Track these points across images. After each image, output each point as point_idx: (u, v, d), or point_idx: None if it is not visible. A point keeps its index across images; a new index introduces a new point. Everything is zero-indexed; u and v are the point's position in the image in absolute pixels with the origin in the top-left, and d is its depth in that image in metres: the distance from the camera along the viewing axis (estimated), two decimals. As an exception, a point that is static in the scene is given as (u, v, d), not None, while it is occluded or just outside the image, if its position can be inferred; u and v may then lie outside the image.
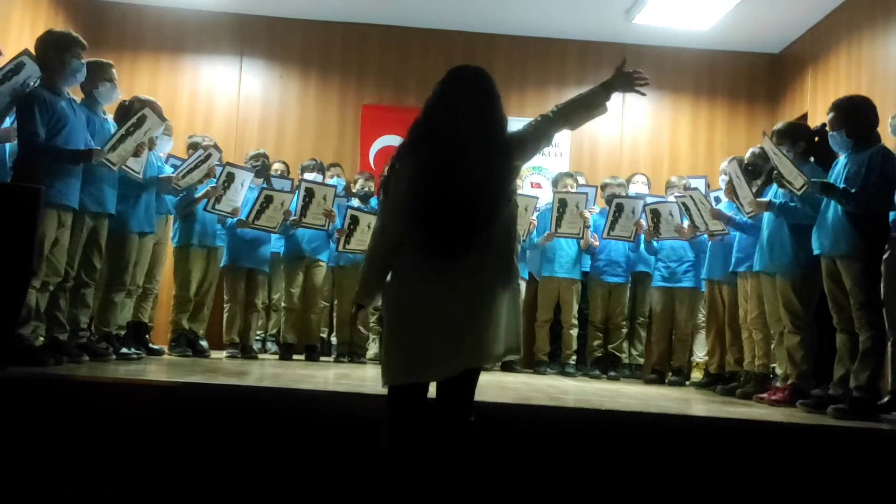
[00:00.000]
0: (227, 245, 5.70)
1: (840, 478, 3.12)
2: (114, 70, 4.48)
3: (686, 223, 5.58)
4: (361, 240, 5.73)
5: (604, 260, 6.13)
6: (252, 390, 3.59)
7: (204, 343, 5.56)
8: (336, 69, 7.59)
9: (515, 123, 2.73)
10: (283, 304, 6.03)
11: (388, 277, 2.65)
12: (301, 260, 5.93)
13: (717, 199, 5.43)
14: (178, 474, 3.06)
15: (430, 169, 2.53)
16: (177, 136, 5.86)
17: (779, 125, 4.65)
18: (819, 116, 5.93)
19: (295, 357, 5.85)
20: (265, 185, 5.80)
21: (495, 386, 4.27)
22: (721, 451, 3.16)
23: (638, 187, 6.42)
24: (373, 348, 6.12)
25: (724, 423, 3.45)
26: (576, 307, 6.13)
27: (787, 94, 7.45)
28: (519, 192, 3.03)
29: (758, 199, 4.55)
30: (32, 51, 4.03)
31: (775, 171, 4.24)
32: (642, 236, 5.97)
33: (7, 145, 4.17)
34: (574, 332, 6.13)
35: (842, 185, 3.89)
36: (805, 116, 6.81)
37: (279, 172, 6.26)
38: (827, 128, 4.10)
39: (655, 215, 5.82)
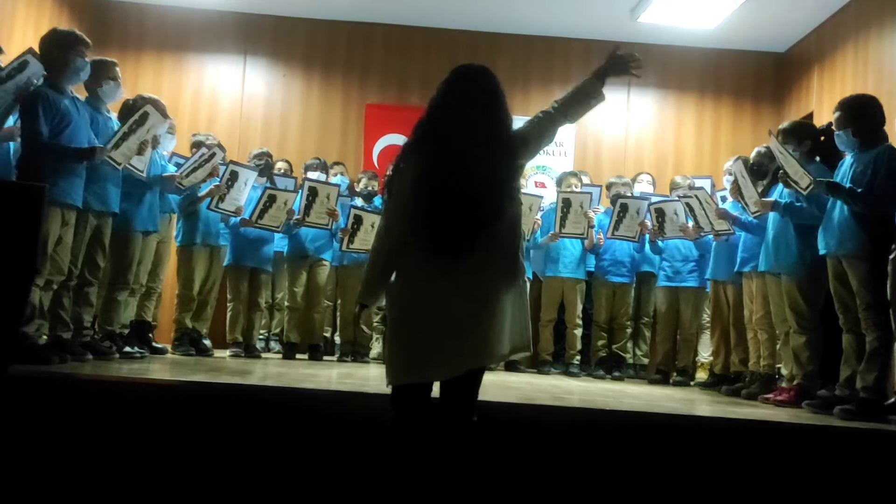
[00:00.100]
0: (231, 244, 5.70)
1: (846, 479, 3.10)
2: (118, 69, 4.47)
3: (690, 223, 5.56)
4: (365, 239, 5.73)
5: (608, 260, 6.11)
6: (255, 389, 3.59)
7: (207, 342, 5.55)
8: (339, 68, 7.58)
9: (519, 122, 2.72)
10: (286, 304, 6.02)
11: (392, 277, 2.64)
12: (304, 259, 5.92)
13: (724, 199, 5.41)
14: (181, 473, 3.05)
15: (435, 168, 2.52)
16: (180, 135, 5.86)
17: (784, 124, 4.64)
18: (825, 116, 5.90)
19: (298, 356, 5.85)
20: (269, 185, 5.79)
21: (499, 386, 4.26)
22: (726, 452, 3.14)
23: (643, 187, 6.40)
24: (376, 347, 6.11)
25: (729, 423, 3.43)
26: (580, 307, 6.11)
27: (792, 94, 7.42)
28: (523, 191, 3.02)
29: (763, 199, 4.53)
30: (37, 49, 4.03)
31: (781, 171, 4.22)
32: (647, 236, 5.95)
33: (11, 144, 4.17)
34: (578, 332, 6.11)
35: (848, 185, 3.87)
36: (811, 116, 6.78)
37: (282, 171, 6.25)
38: (833, 127, 4.08)
39: (660, 214, 5.80)
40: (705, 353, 6.05)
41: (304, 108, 7.56)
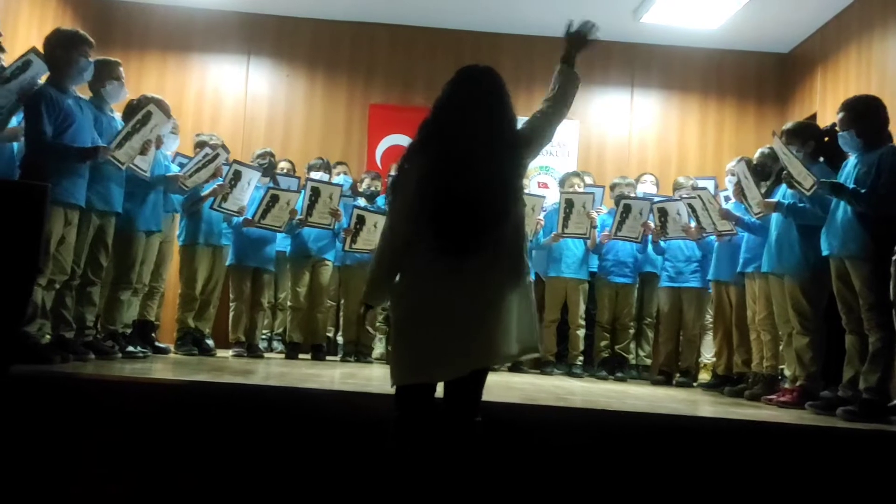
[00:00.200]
0: (233, 244, 5.70)
1: (849, 480, 3.09)
2: (121, 69, 4.48)
3: (693, 224, 5.55)
4: (368, 239, 5.73)
5: (611, 260, 6.11)
6: (258, 389, 3.59)
7: (210, 342, 5.56)
8: (343, 68, 7.59)
9: (521, 123, 2.72)
10: (289, 304, 6.03)
11: (397, 277, 2.64)
12: (307, 259, 5.93)
13: (727, 199, 5.40)
14: (183, 473, 3.05)
15: (440, 168, 2.52)
16: (184, 135, 5.87)
17: (788, 125, 4.63)
18: (829, 116, 5.89)
19: (301, 356, 5.85)
20: (272, 185, 5.79)
21: (502, 386, 4.26)
22: (729, 453, 3.14)
23: (646, 187, 6.39)
24: (379, 347, 6.12)
25: (732, 424, 3.43)
26: (583, 308, 6.10)
27: (796, 94, 7.41)
28: (525, 191, 3.03)
29: (766, 200, 4.52)
30: (40, 49, 4.03)
31: (784, 172, 4.22)
32: (650, 237, 5.95)
33: (14, 144, 4.17)
34: (581, 332, 6.10)
35: (851, 186, 3.86)
36: (814, 116, 6.77)
37: (285, 171, 6.26)
38: (836, 128, 4.08)
39: (663, 214, 5.80)
40: (708, 354, 6.04)
41: (308, 108, 7.56)
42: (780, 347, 4.65)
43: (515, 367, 5.92)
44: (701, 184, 5.99)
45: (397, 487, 2.58)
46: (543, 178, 7.43)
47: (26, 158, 3.95)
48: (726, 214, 5.06)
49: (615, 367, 6.08)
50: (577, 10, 7.10)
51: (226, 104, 7.50)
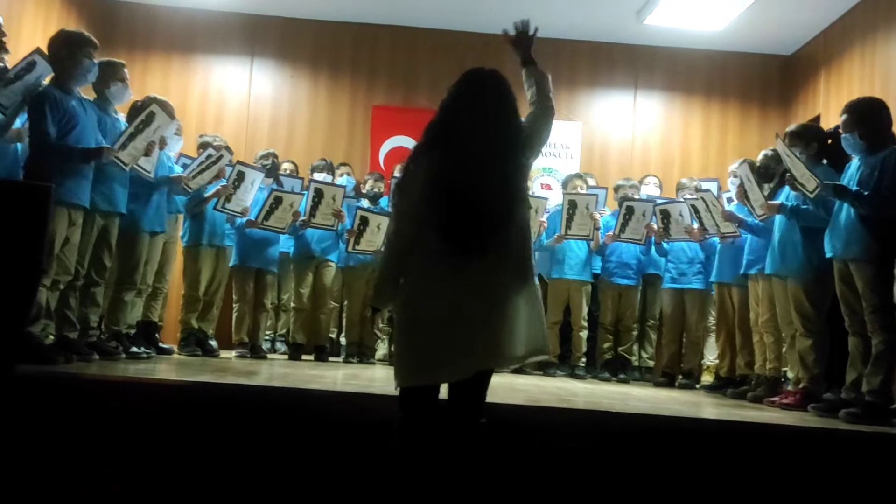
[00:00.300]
0: (236, 245, 5.71)
1: (852, 483, 3.09)
2: (126, 70, 4.49)
3: (695, 225, 5.55)
4: (371, 241, 5.74)
5: (614, 262, 6.10)
6: (261, 390, 3.59)
7: (213, 342, 5.57)
8: (346, 70, 7.60)
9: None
10: (292, 305, 6.03)
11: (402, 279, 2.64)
12: (311, 260, 5.93)
13: (730, 200, 5.40)
14: (186, 473, 3.06)
15: (446, 170, 2.52)
16: (187, 136, 5.88)
17: (791, 127, 4.64)
18: (832, 118, 5.89)
19: (304, 357, 5.85)
20: (275, 186, 5.80)
21: (505, 388, 4.26)
22: (732, 455, 3.14)
23: (649, 189, 6.39)
24: (382, 349, 6.12)
25: (734, 426, 3.43)
26: (585, 309, 6.10)
27: (799, 96, 7.41)
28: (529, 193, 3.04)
29: (769, 202, 4.52)
30: (45, 50, 4.05)
31: (788, 174, 4.22)
32: (653, 239, 5.95)
33: (18, 144, 4.19)
34: (584, 334, 6.10)
35: (855, 188, 3.86)
36: (818, 118, 6.76)
37: (288, 172, 6.27)
38: (840, 130, 4.07)
39: (665, 216, 5.79)
40: (711, 355, 6.03)
41: (311, 109, 7.57)
42: (783, 349, 4.64)
43: (518, 369, 5.91)
44: (704, 185, 5.99)
45: (401, 489, 2.58)
46: (546, 179, 7.44)
47: (30, 159, 3.96)
48: (729, 216, 5.06)
49: (618, 369, 6.08)
50: (580, 12, 7.24)
51: (229, 105, 7.52)
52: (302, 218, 5.69)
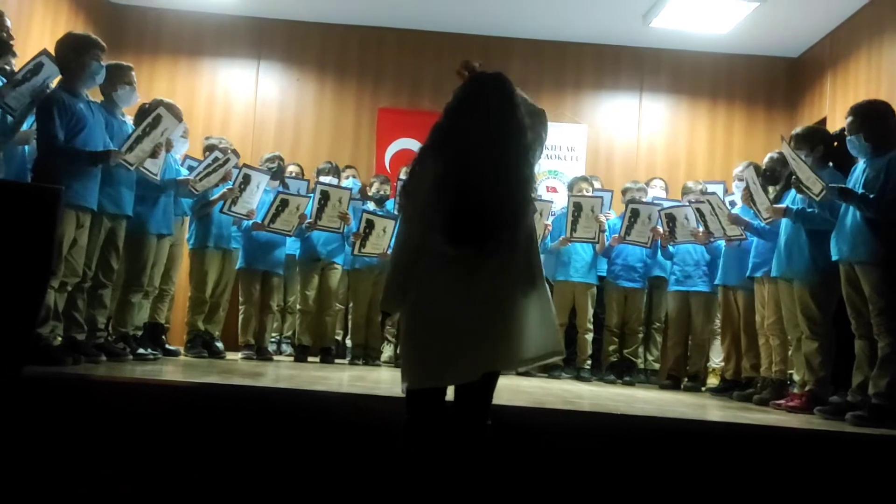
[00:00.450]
0: (243, 247, 5.73)
1: (858, 486, 3.08)
2: (133, 73, 4.51)
3: (701, 228, 5.55)
4: (376, 243, 5.76)
5: (620, 265, 6.10)
6: (267, 391, 3.61)
7: (219, 344, 5.58)
8: (352, 72, 7.62)
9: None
10: (298, 307, 6.05)
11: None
12: (316, 262, 5.95)
13: (733, 204, 5.40)
14: (192, 474, 3.07)
15: (452, 172, 2.52)
16: (194, 139, 5.90)
17: (797, 130, 4.63)
18: (839, 121, 5.88)
19: (310, 359, 5.87)
20: (281, 188, 5.82)
21: (511, 390, 4.26)
22: (738, 458, 3.13)
23: (655, 192, 6.40)
24: (387, 351, 6.13)
25: (740, 429, 3.43)
26: (591, 312, 6.10)
27: (805, 99, 7.40)
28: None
29: (775, 206, 4.51)
30: (52, 52, 4.07)
31: (794, 177, 4.22)
32: (658, 242, 5.94)
33: (26, 147, 4.21)
34: (589, 336, 6.10)
35: (860, 191, 3.86)
36: (824, 121, 6.75)
37: (293, 175, 6.28)
38: (845, 132, 4.07)
39: (671, 220, 5.79)
40: (717, 358, 6.02)
41: (317, 111, 7.59)
42: (789, 352, 4.63)
43: (524, 371, 5.92)
44: (710, 188, 5.98)
45: (407, 490, 2.59)
46: (552, 182, 7.44)
47: (38, 161, 3.98)
48: (735, 219, 5.06)
49: (623, 372, 6.07)
50: (586, 15, 7.25)
51: (236, 108, 7.54)
52: (308, 220, 5.71)
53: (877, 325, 3.79)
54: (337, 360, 6.00)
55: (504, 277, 2.53)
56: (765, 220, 4.66)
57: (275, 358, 5.88)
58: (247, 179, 5.43)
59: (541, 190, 7.15)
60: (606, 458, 3.11)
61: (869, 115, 3.97)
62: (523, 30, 7.45)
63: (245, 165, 5.61)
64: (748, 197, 4.80)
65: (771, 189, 4.80)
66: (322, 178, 6.19)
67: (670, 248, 5.91)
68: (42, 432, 3.05)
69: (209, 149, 5.57)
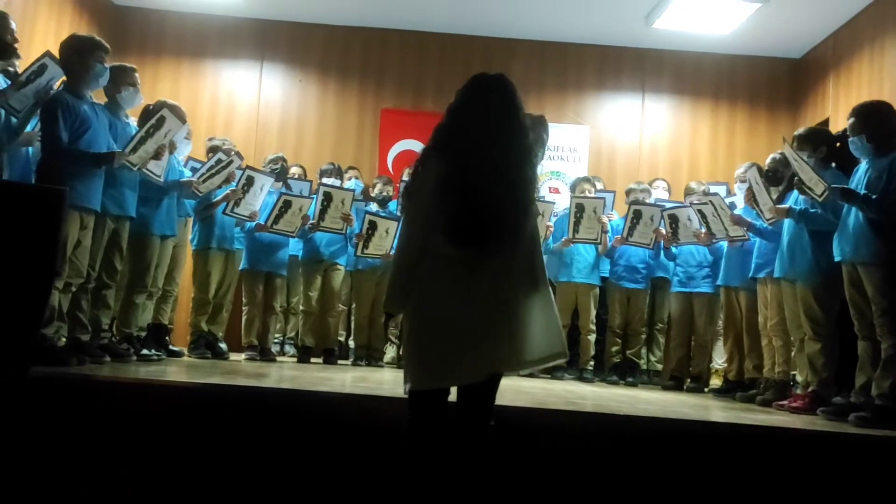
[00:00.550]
0: (246, 248, 5.74)
1: (861, 487, 3.08)
2: (137, 74, 4.53)
3: (703, 230, 5.55)
4: (379, 245, 5.77)
5: (622, 265, 6.10)
6: (270, 392, 3.61)
7: (223, 345, 5.59)
8: (355, 74, 7.63)
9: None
10: (301, 308, 6.05)
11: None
12: (319, 263, 5.95)
13: (733, 205, 5.39)
14: (196, 475, 3.08)
15: (454, 173, 2.53)
16: (197, 140, 5.91)
17: (800, 130, 4.63)
18: (841, 122, 5.88)
19: (313, 360, 5.87)
20: (284, 190, 5.83)
21: (513, 390, 4.26)
22: (741, 459, 3.13)
23: (658, 193, 6.40)
24: (390, 352, 6.14)
25: (743, 429, 3.42)
26: (594, 313, 6.10)
27: (808, 100, 7.40)
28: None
29: (778, 206, 4.51)
30: (56, 55, 4.08)
31: (796, 178, 4.22)
32: (661, 243, 5.94)
33: (30, 148, 4.23)
34: (592, 337, 6.10)
35: (863, 191, 3.86)
36: (827, 122, 6.76)
37: (296, 176, 6.29)
38: (847, 133, 4.07)
39: (673, 221, 5.79)
40: (720, 359, 6.02)
41: (320, 113, 7.61)
42: (792, 353, 4.63)
43: (526, 372, 5.91)
44: (713, 189, 5.98)
45: (410, 491, 2.59)
46: (554, 183, 7.45)
47: (42, 163, 4.00)
48: (738, 220, 5.06)
49: (626, 372, 6.07)
50: (589, 16, 7.25)
51: (239, 109, 7.56)
52: (311, 221, 5.72)
53: (880, 326, 3.79)
54: (340, 361, 6.01)
55: (506, 278, 2.53)
56: (768, 220, 4.66)
57: (278, 359, 5.89)
58: (250, 181, 5.43)
59: (543, 191, 7.15)
60: (609, 458, 3.11)
61: (871, 116, 3.97)
62: (525, 31, 7.45)
63: (248, 167, 5.61)
64: (751, 197, 4.79)
65: (773, 190, 4.80)
66: (325, 180, 6.20)
67: (673, 249, 5.91)
68: (46, 433, 3.06)
69: (212, 150, 5.58)
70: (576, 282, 6.08)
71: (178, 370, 4.42)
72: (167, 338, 5.33)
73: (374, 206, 6.16)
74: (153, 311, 5.07)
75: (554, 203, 6.32)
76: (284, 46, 7.61)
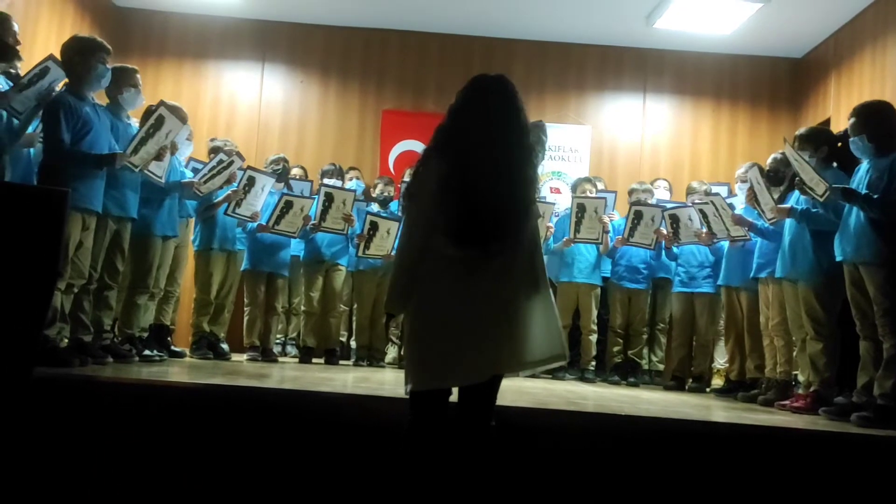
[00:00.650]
0: (248, 249, 5.74)
1: (863, 486, 3.08)
2: (138, 76, 4.53)
3: (704, 229, 5.55)
4: (381, 245, 5.77)
5: (623, 265, 6.10)
6: (272, 393, 3.61)
7: (225, 346, 5.59)
8: (356, 74, 7.64)
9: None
10: (302, 308, 6.06)
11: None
12: (321, 264, 5.96)
13: (732, 206, 5.39)
14: (199, 475, 3.08)
15: (455, 174, 2.53)
16: (199, 141, 5.92)
17: (801, 130, 4.63)
18: (843, 121, 5.86)
19: (314, 360, 5.88)
20: (286, 190, 5.84)
21: (514, 391, 4.26)
22: (742, 459, 3.14)
23: (660, 193, 6.40)
24: (391, 352, 6.14)
25: (745, 429, 3.42)
26: (595, 313, 6.10)
27: (809, 99, 7.39)
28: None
29: (779, 206, 4.51)
30: (58, 56, 4.09)
31: (797, 178, 4.21)
32: (663, 243, 5.94)
33: (32, 149, 4.23)
34: (593, 337, 6.10)
35: (864, 191, 3.86)
36: (828, 122, 6.75)
37: (297, 177, 6.30)
38: (848, 133, 4.07)
39: (674, 221, 5.80)
40: (721, 359, 6.02)
41: (322, 113, 7.61)
42: (794, 353, 4.63)
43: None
44: (715, 189, 5.98)
45: (411, 491, 2.59)
46: (556, 183, 7.45)
47: (44, 164, 4.00)
48: (739, 220, 5.06)
49: (628, 373, 6.07)
50: (591, 16, 7.24)
51: (240, 110, 7.57)
52: (312, 222, 5.72)
53: (881, 326, 3.79)
54: (341, 362, 6.01)
55: (507, 278, 2.54)
56: (769, 220, 4.66)
57: (279, 359, 5.89)
58: (251, 181, 5.44)
59: (544, 191, 7.15)
60: (611, 459, 3.11)
61: (872, 116, 3.97)
62: (526, 31, 7.46)
63: (249, 167, 5.62)
64: (752, 197, 4.79)
65: (774, 190, 4.79)
66: (326, 180, 6.21)
67: (674, 249, 5.91)
68: (49, 434, 3.07)
69: (214, 151, 5.59)
70: (577, 282, 6.08)
71: (180, 371, 4.43)
72: (169, 338, 5.33)
73: (375, 207, 6.16)
74: (155, 312, 5.08)
75: (554, 204, 6.32)
76: (285, 47, 7.62)
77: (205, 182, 5.06)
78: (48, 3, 6.21)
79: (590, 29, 7.32)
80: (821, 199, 4.05)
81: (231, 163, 5.24)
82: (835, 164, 4.42)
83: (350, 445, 3.09)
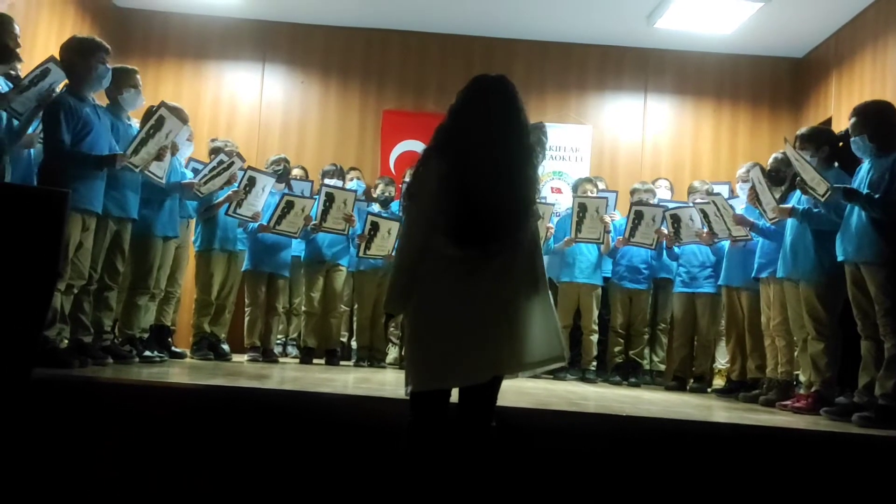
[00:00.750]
0: (249, 249, 5.74)
1: (864, 487, 3.08)
2: (138, 76, 4.53)
3: (705, 229, 5.54)
4: (381, 245, 5.77)
5: (624, 266, 6.10)
6: (272, 393, 3.61)
7: (225, 346, 5.59)
8: (357, 75, 7.64)
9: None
10: (303, 309, 6.06)
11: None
12: (322, 264, 5.96)
13: (733, 206, 5.38)
14: (199, 476, 3.08)
15: (456, 174, 2.53)
16: (199, 141, 5.92)
17: (802, 130, 4.63)
18: (844, 121, 5.85)
19: (315, 361, 5.87)
20: (286, 191, 5.84)
21: (515, 391, 4.25)
22: (744, 459, 3.13)
23: (661, 192, 6.39)
24: (392, 353, 6.14)
25: (746, 430, 3.42)
26: (596, 313, 6.09)
27: (810, 99, 7.39)
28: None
29: (781, 206, 4.51)
30: (58, 57, 4.09)
31: (798, 178, 4.21)
32: (664, 243, 5.94)
33: (32, 150, 4.23)
34: (594, 337, 6.09)
35: (865, 191, 3.85)
36: (829, 121, 6.74)
37: (298, 177, 6.30)
38: (849, 133, 4.07)
39: (675, 221, 5.79)
40: (723, 359, 6.01)
41: (322, 114, 7.61)
42: (795, 353, 4.63)
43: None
44: (716, 188, 5.98)
45: (411, 492, 2.59)
46: (556, 183, 7.44)
47: (44, 165, 4.00)
48: (741, 220, 5.05)
49: (629, 373, 6.07)
50: (590, 16, 7.24)
51: (241, 111, 7.57)
52: (313, 222, 5.72)
53: (883, 326, 3.78)
54: (342, 362, 6.01)
55: (507, 279, 2.53)
56: (770, 220, 4.65)
57: (280, 360, 5.89)
58: (252, 182, 5.44)
59: (545, 191, 7.15)
60: (612, 459, 3.11)
61: (873, 116, 3.96)
62: (527, 31, 7.45)
63: (250, 168, 5.62)
64: (753, 197, 4.79)
65: (776, 189, 4.79)
66: (327, 180, 6.20)
67: (675, 249, 5.90)
68: (49, 435, 3.07)
69: (214, 151, 5.59)
70: (578, 282, 6.07)
71: (181, 371, 4.43)
72: (170, 339, 5.33)
73: (376, 207, 6.16)
74: (155, 313, 5.08)
75: (554, 204, 6.33)
76: (286, 48, 7.62)
77: (205, 182, 5.06)
78: (48, 4, 6.22)
79: (590, 29, 7.32)
80: (822, 199, 4.05)
81: (231, 164, 5.24)
82: (836, 164, 4.41)
83: (351, 446, 3.08)
